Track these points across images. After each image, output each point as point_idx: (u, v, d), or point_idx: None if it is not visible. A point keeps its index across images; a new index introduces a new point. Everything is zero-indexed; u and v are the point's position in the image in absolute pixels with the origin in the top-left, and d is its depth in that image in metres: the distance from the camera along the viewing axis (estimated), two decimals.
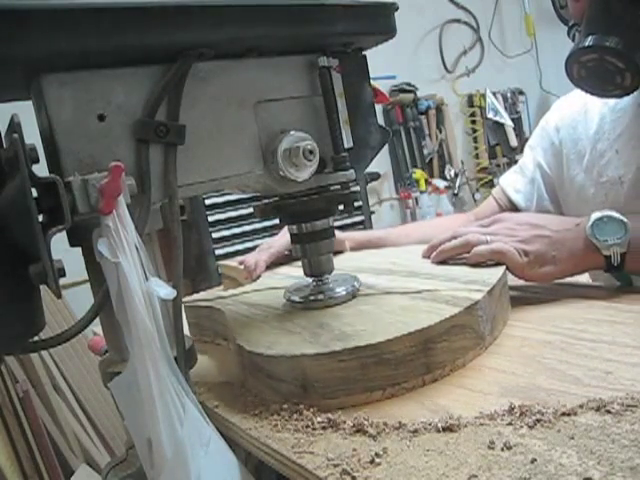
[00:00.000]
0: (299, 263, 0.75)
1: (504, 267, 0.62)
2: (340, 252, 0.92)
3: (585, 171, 0.88)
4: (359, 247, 0.95)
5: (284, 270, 0.87)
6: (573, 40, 0.77)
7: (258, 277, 0.84)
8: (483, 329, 0.52)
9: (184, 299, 0.74)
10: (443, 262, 0.69)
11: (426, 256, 0.73)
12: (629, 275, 0.62)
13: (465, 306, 0.51)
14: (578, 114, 0.91)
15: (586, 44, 0.69)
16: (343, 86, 0.56)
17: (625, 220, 0.60)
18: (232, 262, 0.92)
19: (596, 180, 0.85)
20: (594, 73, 0.71)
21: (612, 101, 0.83)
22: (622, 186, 0.80)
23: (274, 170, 0.54)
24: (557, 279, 0.64)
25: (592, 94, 0.77)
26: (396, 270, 0.71)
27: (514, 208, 0.99)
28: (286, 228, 0.91)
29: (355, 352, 0.46)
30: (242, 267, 0.87)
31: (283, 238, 0.93)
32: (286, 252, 0.92)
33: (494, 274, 0.59)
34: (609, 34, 0.67)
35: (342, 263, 0.81)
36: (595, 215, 0.62)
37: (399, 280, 0.65)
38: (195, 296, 0.84)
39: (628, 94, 0.72)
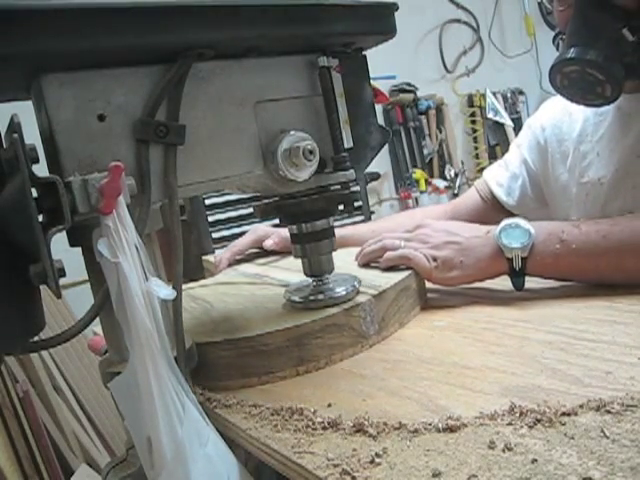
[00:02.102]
0: (260, 260, 0.96)
1: (408, 272, 0.66)
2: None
3: (569, 171, 0.89)
4: None
5: (242, 267, 0.97)
6: (557, 48, 0.81)
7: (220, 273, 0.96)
8: (366, 329, 0.58)
9: None
10: (367, 265, 0.74)
11: (357, 259, 0.77)
12: (524, 280, 0.65)
13: (345, 307, 0.57)
14: (563, 115, 0.93)
15: (568, 56, 0.72)
16: (343, 86, 0.56)
17: (530, 228, 0.64)
18: (210, 257, 1.05)
19: (578, 180, 0.87)
20: (576, 83, 0.75)
21: None
22: (602, 187, 0.82)
23: (274, 170, 0.54)
24: (464, 283, 0.68)
25: (574, 102, 0.80)
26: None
27: (495, 201, 1.01)
28: (253, 228, 1.07)
29: (233, 343, 0.52)
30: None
31: (246, 239, 1.04)
32: (250, 251, 1.04)
33: (393, 279, 0.64)
34: (590, 46, 0.70)
35: (290, 263, 0.87)
36: (505, 222, 0.65)
37: (300, 277, 0.69)
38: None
39: (609, 104, 0.75)
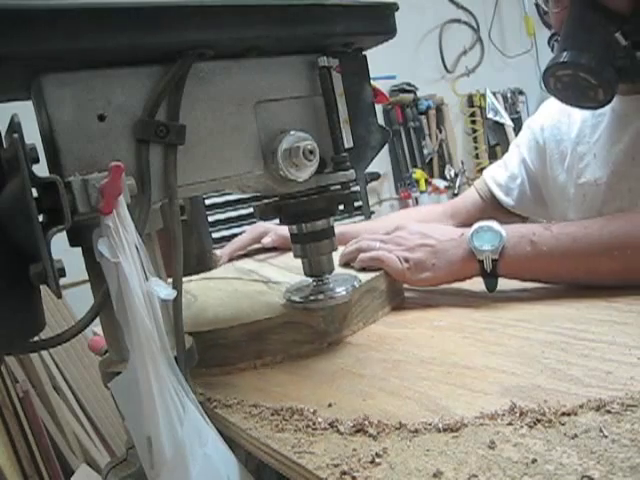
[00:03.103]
0: (259, 256, 0.99)
1: (376, 274, 0.68)
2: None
3: (566, 171, 0.90)
4: None
5: (241, 263, 0.99)
6: (552, 50, 0.81)
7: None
8: (325, 327, 0.60)
9: None
10: (347, 265, 0.75)
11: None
12: (496, 282, 0.66)
13: (303, 307, 0.59)
14: (562, 115, 0.93)
15: (561, 60, 0.73)
16: (343, 86, 0.56)
17: (501, 230, 0.65)
18: (217, 251, 1.05)
19: (575, 181, 0.87)
20: (569, 87, 0.75)
21: None
22: (599, 188, 0.82)
23: (274, 170, 0.54)
24: (435, 285, 0.70)
25: (568, 104, 0.80)
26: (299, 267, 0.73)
27: (495, 200, 1.01)
28: (253, 226, 1.10)
29: (197, 336, 0.53)
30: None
31: (246, 236, 1.07)
32: (253, 246, 1.06)
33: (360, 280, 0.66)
34: (583, 50, 0.71)
35: (285, 261, 0.90)
36: (477, 225, 0.66)
37: (287, 276, 0.76)
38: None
39: (602, 107, 0.75)
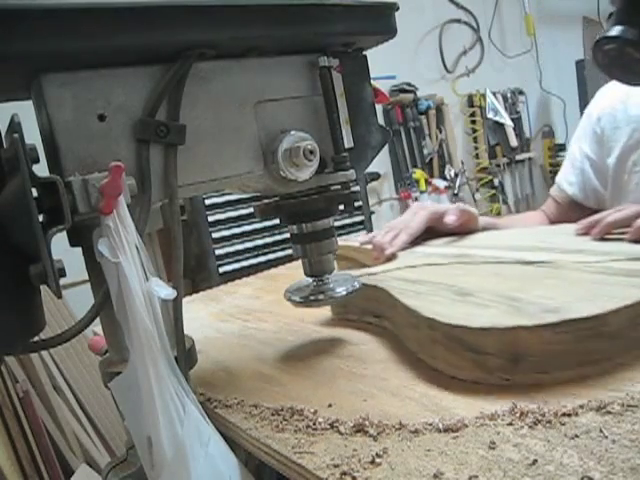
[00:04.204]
0: (434, 242, 0.82)
1: None
2: (474, 231, 0.86)
3: (619, 158, 0.91)
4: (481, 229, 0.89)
5: (421, 249, 0.81)
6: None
7: (394, 257, 0.77)
8: None
9: None
10: (601, 239, 0.66)
11: (582, 232, 0.70)
12: None
13: None
14: (619, 102, 0.94)
15: (608, 34, 0.72)
16: (343, 86, 0.56)
17: None
18: (350, 242, 0.85)
19: (630, 169, 0.88)
20: (616, 62, 0.74)
21: None
22: None
23: (274, 170, 0.54)
24: None
25: (616, 79, 0.79)
26: (551, 247, 0.67)
27: (572, 200, 1.02)
28: (416, 205, 0.88)
29: (573, 324, 0.43)
30: (367, 247, 0.81)
31: (420, 217, 0.84)
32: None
33: None
34: (634, 25, 0.70)
35: (486, 241, 0.79)
36: None
37: (562, 255, 0.62)
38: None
39: None
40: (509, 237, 0.80)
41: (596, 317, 0.43)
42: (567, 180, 1.03)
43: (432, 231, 0.84)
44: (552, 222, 1.06)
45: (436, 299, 0.54)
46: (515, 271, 0.60)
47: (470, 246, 0.77)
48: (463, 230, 0.84)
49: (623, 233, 0.65)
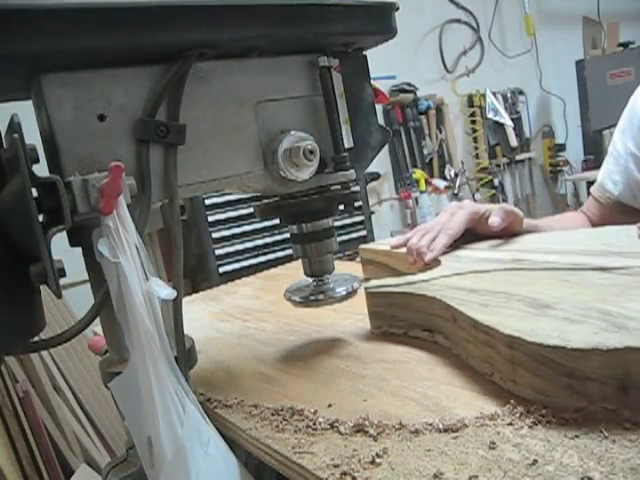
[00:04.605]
0: (477, 245, 0.73)
1: None
2: (518, 233, 0.79)
3: None
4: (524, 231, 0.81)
5: (464, 253, 0.73)
6: None
7: (436, 262, 0.70)
8: None
9: (367, 285, 0.64)
10: None
11: None
12: None
13: None
14: None
15: None
16: (343, 86, 0.56)
17: None
18: (379, 246, 0.78)
19: None
20: None
21: None
22: None
23: (274, 170, 0.54)
24: None
25: None
26: (619, 252, 0.60)
27: (617, 201, 0.95)
28: (454, 205, 0.79)
29: None
30: (400, 251, 0.75)
31: (459, 217, 0.75)
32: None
33: None
34: None
35: (539, 245, 0.71)
36: None
37: (637, 261, 0.55)
38: (375, 282, 0.66)
39: None
40: (566, 240, 0.71)
41: None
42: (611, 179, 0.95)
43: (470, 233, 0.77)
44: (595, 225, 0.96)
45: (510, 312, 0.47)
46: (590, 279, 0.53)
47: (522, 250, 0.69)
48: (506, 233, 0.76)
49: None
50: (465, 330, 0.49)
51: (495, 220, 0.73)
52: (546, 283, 0.54)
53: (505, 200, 3.53)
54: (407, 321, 0.60)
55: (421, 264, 0.70)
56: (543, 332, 0.41)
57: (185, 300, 0.94)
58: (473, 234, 0.77)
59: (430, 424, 0.40)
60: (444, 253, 0.72)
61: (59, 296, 0.40)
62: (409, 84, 3.09)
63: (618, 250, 0.60)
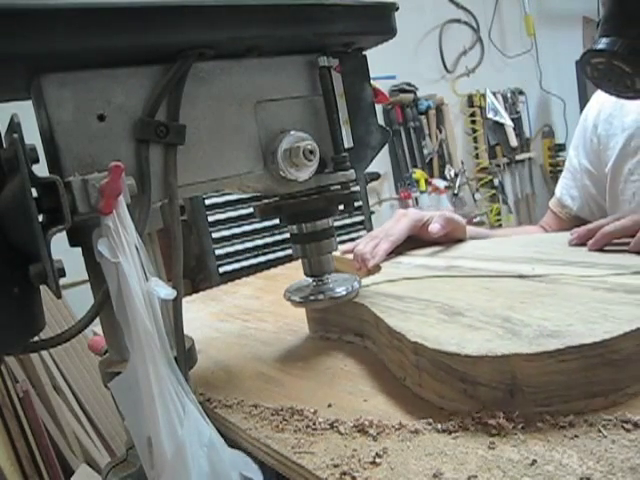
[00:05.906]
0: (419, 252, 0.76)
1: None
2: (461, 240, 0.82)
3: (615, 166, 0.87)
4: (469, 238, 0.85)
5: (406, 259, 0.76)
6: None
7: (377, 268, 0.73)
8: None
9: None
10: (598, 250, 0.63)
11: (576, 243, 0.66)
12: None
13: None
14: (614, 109, 0.90)
15: (595, 47, 0.69)
16: (343, 86, 0.56)
17: None
18: (337, 253, 0.78)
19: (626, 177, 0.84)
20: (605, 75, 0.71)
21: None
22: None
23: (274, 170, 0.54)
24: None
25: (607, 93, 0.76)
26: (547, 259, 0.62)
27: (576, 217, 0.96)
28: (400, 212, 0.83)
29: (581, 351, 0.38)
30: (348, 257, 0.78)
31: (401, 225, 0.79)
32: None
33: None
34: (621, 36, 0.66)
35: (475, 252, 0.74)
36: None
37: (560, 268, 0.57)
38: None
39: None
40: (500, 247, 0.75)
41: (603, 342, 0.38)
42: (570, 194, 0.97)
43: (416, 239, 0.80)
44: None
45: (423, 319, 0.49)
46: (508, 286, 0.56)
47: (457, 257, 0.72)
48: (449, 240, 0.80)
49: (621, 244, 0.61)
50: (384, 336, 0.52)
51: (435, 227, 0.77)
52: (469, 290, 0.57)
53: (505, 200, 3.53)
54: (340, 326, 0.64)
55: (365, 270, 0.73)
56: (445, 339, 0.44)
57: (185, 300, 0.94)
58: (419, 241, 0.80)
59: (430, 424, 0.41)
60: (388, 259, 0.76)
61: (59, 296, 0.40)
62: (409, 84, 3.09)
63: (547, 257, 0.63)
